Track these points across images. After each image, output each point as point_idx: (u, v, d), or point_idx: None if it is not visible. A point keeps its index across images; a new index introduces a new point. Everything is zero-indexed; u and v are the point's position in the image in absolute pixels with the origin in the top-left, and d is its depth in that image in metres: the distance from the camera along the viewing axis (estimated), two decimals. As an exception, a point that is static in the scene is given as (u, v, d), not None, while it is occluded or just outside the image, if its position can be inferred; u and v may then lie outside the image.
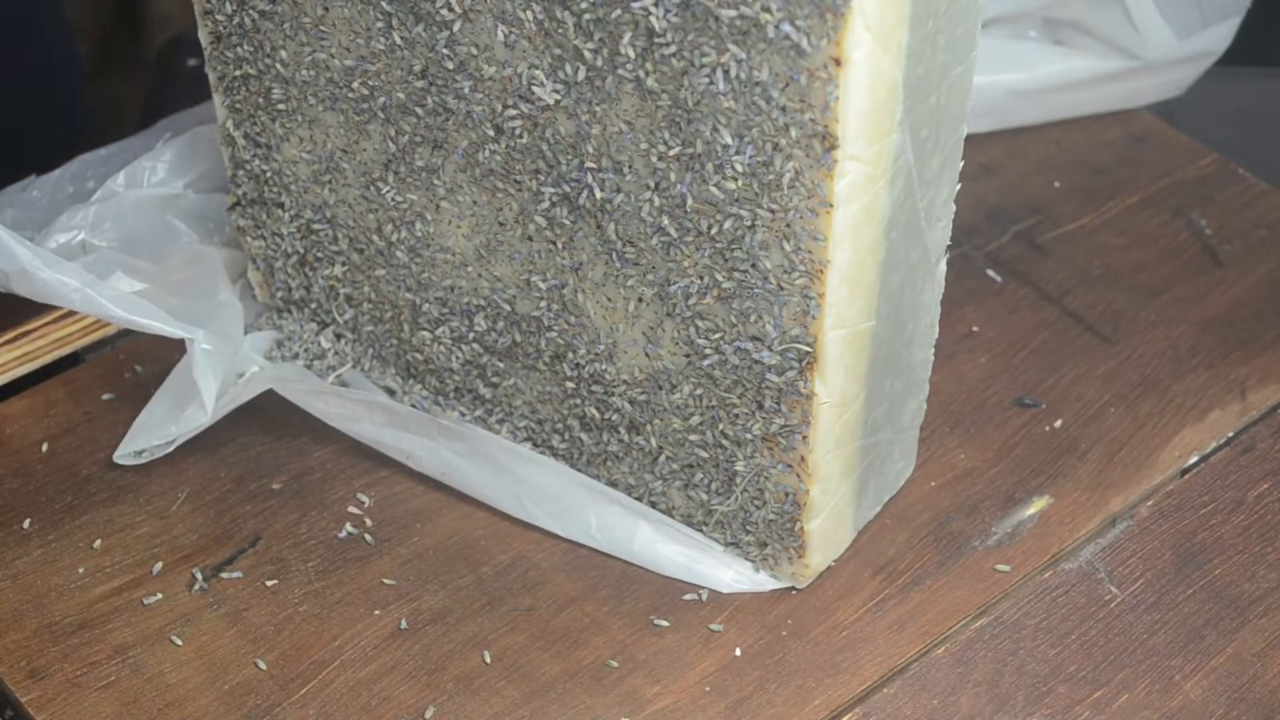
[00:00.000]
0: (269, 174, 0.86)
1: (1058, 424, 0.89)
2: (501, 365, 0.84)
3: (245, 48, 0.81)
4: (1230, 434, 0.89)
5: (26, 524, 0.84)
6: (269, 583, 0.82)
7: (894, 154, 0.69)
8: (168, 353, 0.90)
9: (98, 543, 0.83)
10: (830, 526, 0.80)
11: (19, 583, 0.82)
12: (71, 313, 0.91)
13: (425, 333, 0.85)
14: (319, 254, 0.87)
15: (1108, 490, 0.86)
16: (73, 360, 0.91)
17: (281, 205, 0.86)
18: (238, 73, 0.83)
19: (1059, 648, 0.80)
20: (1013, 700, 0.77)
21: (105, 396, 0.89)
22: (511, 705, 0.77)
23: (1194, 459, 0.88)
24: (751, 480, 0.79)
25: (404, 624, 0.80)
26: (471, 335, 0.84)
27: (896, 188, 0.70)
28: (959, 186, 0.77)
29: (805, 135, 0.66)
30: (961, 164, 0.76)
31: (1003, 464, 0.87)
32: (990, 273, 0.97)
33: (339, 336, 0.90)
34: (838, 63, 0.64)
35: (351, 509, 0.85)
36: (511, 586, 0.82)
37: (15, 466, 0.87)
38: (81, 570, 0.82)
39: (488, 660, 0.79)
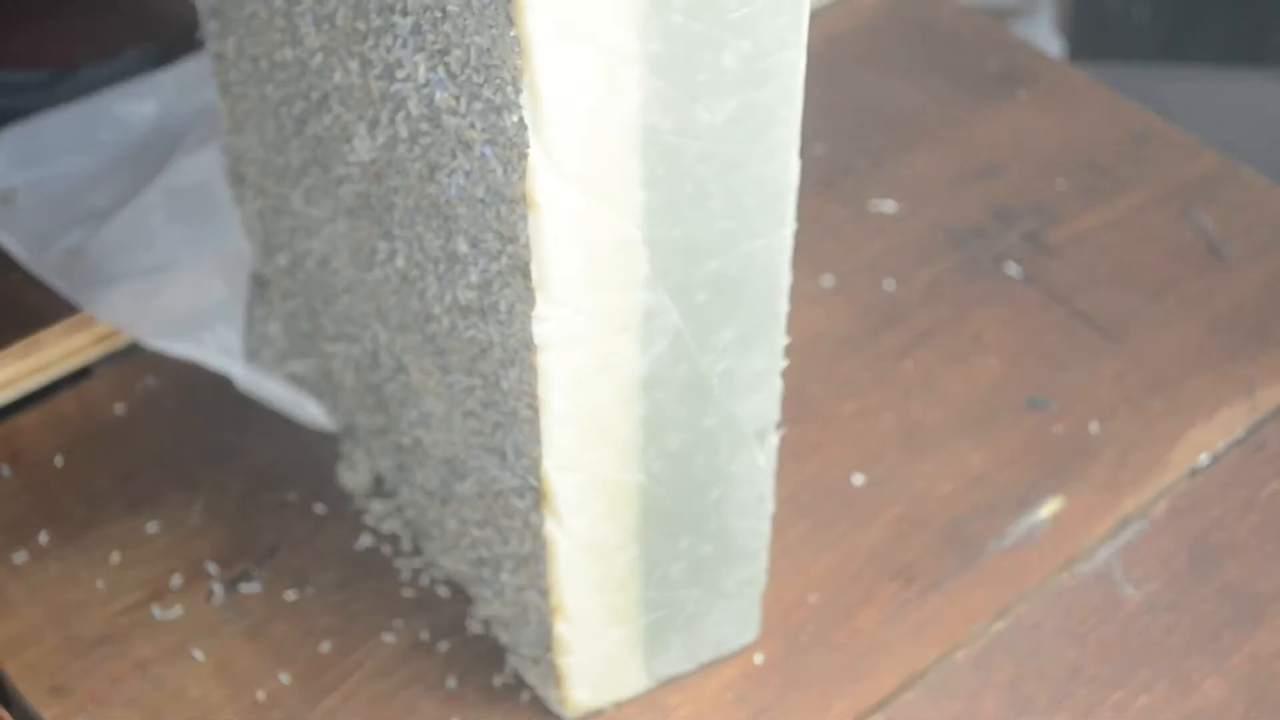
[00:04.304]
0: (238, 150, 0.84)
1: (1069, 425, 0.90)
2: (370, 401, 0.81)
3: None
4: (1241, 433, 0.90)
5: (43, 538, 0.84)
6: (288, 595, 0.82)
7: (642, 312, 0.64)
8: (178, 364, 0.90)
9: (115, 556, 0.83)
10: (599, 669, 0.75)
11: (38, 597, 0.81)
12: (81, 324, 0.90)
13: (329, 345, 0.84)
14: (272, 240, 0.85)
15: (1120, 491, 0.87)
16: (83, 373, 0.91)
17: (245, 182, 0.85)
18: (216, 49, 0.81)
19: (1078, 649, 0.80)
20: (1034, 703, 0.78)
21: (118, 408, 0.89)
22: (536, 715, 0.77)
23: (1205, 458, 0.88)
24: (516, 594, 0.75)
25: (425, 635, 0.80)
26: (353, 362, 0.82)
27: (655, 348, 0.65)
28: (785, 363, 0.69)
29: (513, 266, 0.62)
30: (786, 342, 0.69)
31: (1016, 466, 0.88)
32: (997, 274, 0.98)
33: (286, 327, 0.88)
34: (527, 202, 0.59)
35: (368, 519, 0.85)
36: (531, 595, 0.82)
37: (30, 480, 0.87)
38: (100, 584, 0.82)
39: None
